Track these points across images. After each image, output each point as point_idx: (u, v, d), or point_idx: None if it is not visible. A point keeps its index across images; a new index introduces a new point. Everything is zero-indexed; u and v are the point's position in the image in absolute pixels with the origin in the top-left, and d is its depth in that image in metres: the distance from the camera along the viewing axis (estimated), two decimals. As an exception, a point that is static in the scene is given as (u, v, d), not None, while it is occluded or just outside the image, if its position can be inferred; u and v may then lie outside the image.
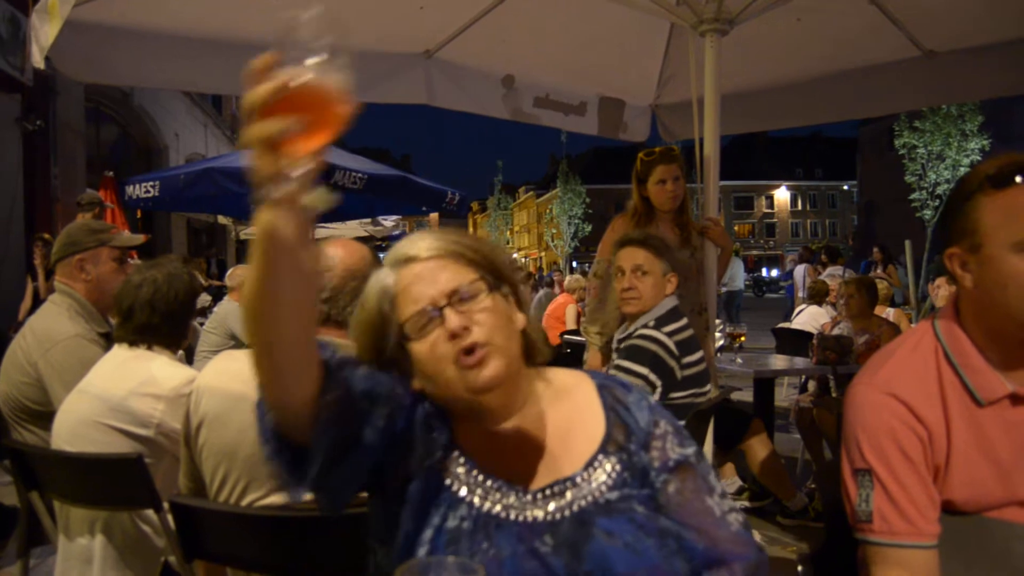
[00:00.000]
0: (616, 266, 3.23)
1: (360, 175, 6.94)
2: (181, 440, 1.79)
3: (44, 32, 3.29)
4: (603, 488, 1.22)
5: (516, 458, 1.24)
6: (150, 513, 2.05)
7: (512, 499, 1.20)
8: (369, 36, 4.15)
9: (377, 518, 1.22)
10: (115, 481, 2.03)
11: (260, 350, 1.00)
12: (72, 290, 2.85)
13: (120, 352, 2.29)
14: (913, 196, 31.79)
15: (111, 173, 9.71)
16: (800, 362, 5.29)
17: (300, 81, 0.83)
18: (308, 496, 1.12)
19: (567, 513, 1.19)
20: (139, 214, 13.29)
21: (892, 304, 7.53)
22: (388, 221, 13.66)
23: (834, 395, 5.21)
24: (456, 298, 1.19)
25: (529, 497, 1.20)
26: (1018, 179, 1.37)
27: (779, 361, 5.63)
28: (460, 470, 1.22)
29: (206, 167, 7.53)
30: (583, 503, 1.20)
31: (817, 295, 7.90)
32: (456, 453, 1.24)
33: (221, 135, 20.01)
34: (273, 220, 0.89)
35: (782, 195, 76.50)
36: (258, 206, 0.90)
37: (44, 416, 2.59)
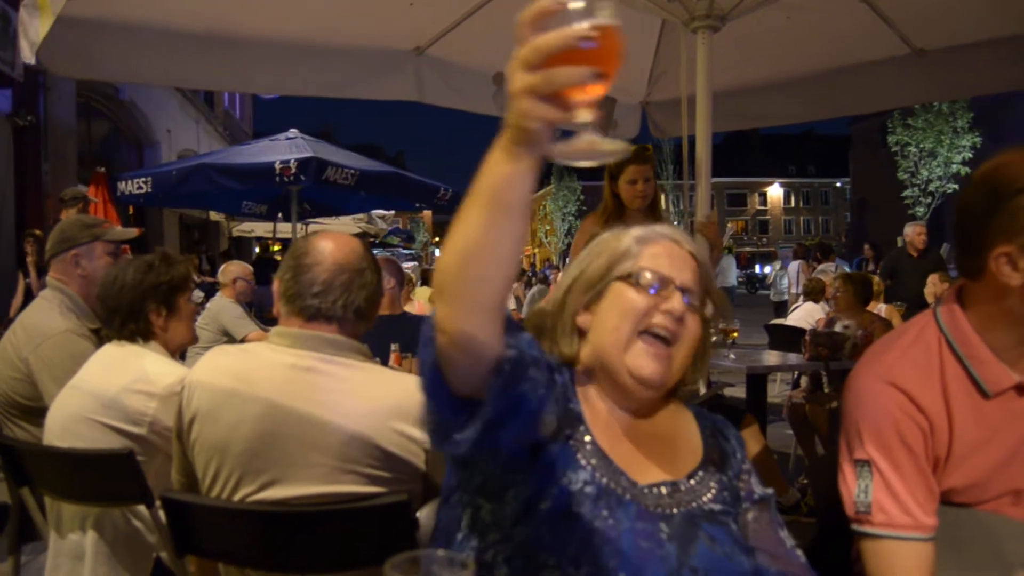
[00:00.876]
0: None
1: (352, 171, 6.92)
2: (173, 435, 1.79)
3: (34, 27, 3.28)
4: (707, 498, 1.30)
5: (630, 449, 1.31)
6: (142, 509, 2.05)
7: (626, 484, 1.25)
8: (359, 33, 4.15)
9: (491, 475, 1.21)
10: (106, 477, 2.02)
11: (469, 302, 0.98)
12: (64, 286, 2.85)
13: (112, 348, 2.28)
14: (905, 193, 31.93)
15: (103, 169, 9.67)
16: (793, 358, 5.30)
17: (608, 22, 0.80)
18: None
19: (676, 511, 1.25)
20: (131, 210, 13.23)
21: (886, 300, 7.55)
22: (382, 218, 13.65)
23: (827, 391, 5.23)
24: (687, 294, 1.32)
25: (640, 488, 1.25)
26: None
27: (772, 357, 5.64)
28: (587, 446, 1.27)
29: (198, 163, 7.50)
30: (692, 506, 1.27)
31: (811, 293, 7.92)
32: (583, 428, 1.29)
33: (213, 131, 19.91)
34: (523, 169, 0.88)
35: (775, 192, 76.55)
36: (494, 159, 0.88)
37: (35, 412, 2.59)
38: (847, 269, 10.54)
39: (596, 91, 0.82)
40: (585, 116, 0.83)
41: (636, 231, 1.38)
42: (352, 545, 1.65)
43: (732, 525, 1.29)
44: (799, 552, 1.36)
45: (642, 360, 1.28)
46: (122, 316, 2.25)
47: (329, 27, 4.04)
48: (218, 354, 1.80)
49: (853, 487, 1.47)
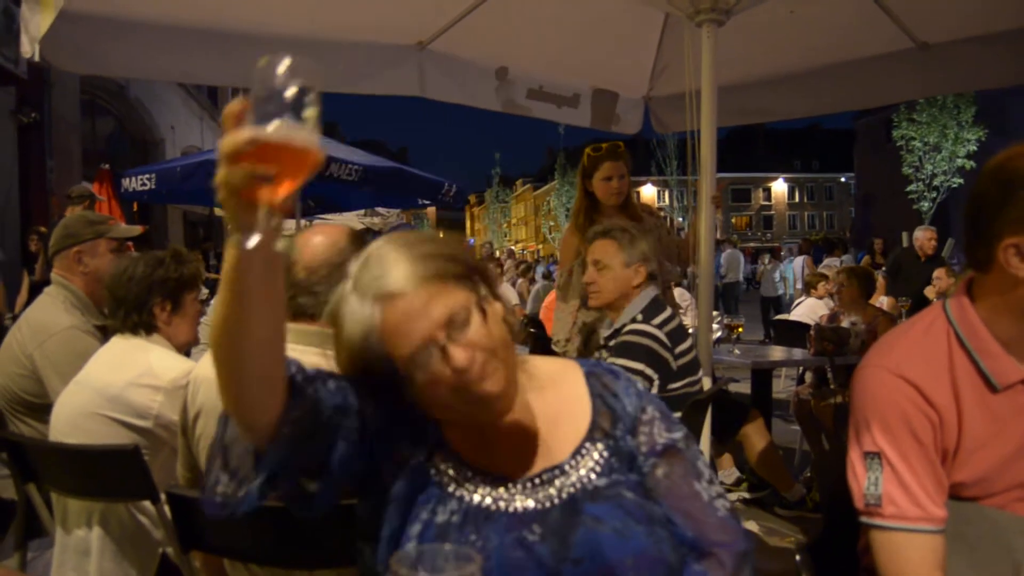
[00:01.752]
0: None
1: (356, 167, 6.92)
2: (178, 431, 1.79)
3: (35, 22, 3.27)
4: (591, 475, 1.23)
5: (504, 449, 1.25)
6: (147, 504, 2.05)
7: (501, 490, 1.20)
8: (362, 27, 4.14)
9: (364, 518, 1.22)
10: (112, 473, 2.03)
11: (225, 376, 1.02)
12: (68, 282, 2.85)
13: (118, 343, 2.29)
14: (910, 188, 31.85)
15: (107, 166, 9.69)
16: (798, 353, 5.30)
17: (269, 136, 0.84)
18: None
19: (556, 501, 1.19)
20: (135, 207, 13.26)
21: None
22: (387, 213, 13.64)
23: (832, 386, 5.22)
24: (452, 328, 1.14)
25: (518, 487, 1.21)
26: None
27: (777, 352, 5.64)
28: (447, 465, 1.22)
29: (203, 159, 7.51)
30: (572, 490, 1.21)
31: (810, 286, 7.94)
32: (443, 447, 1.24)
33: (217, 127, 19.92)
34: (241, 257, 0.92)
35: (779, 187, 76.41)
36: (227, 242, 0.92)
37: (40, 408, 2.60)
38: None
39: (269, 193, 0.87)
40: (260, 216, 0.88)
41: (354, 310, 1.16)
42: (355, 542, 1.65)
43: (626, 494, 1.21)
44: (720, 504, 1.28)
45: (474, 389, 1.14)
46: (127, 308, 2.27)
47: (332, 22, 4.03)
48: (222, 350, 1.80)
49: (863, 480, 1.46)
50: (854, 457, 1.49)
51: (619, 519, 1.17)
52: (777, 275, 15.32)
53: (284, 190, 0.88)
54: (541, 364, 1.36)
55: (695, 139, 3.72)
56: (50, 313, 2.77)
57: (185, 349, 2.43)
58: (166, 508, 1.76)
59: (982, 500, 1.47)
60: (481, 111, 4.93)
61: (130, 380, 2.13)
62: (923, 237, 8.37)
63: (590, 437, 1.27)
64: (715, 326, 4.95)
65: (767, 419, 4.64)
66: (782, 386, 8.07)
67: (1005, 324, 1.44)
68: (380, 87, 4.42)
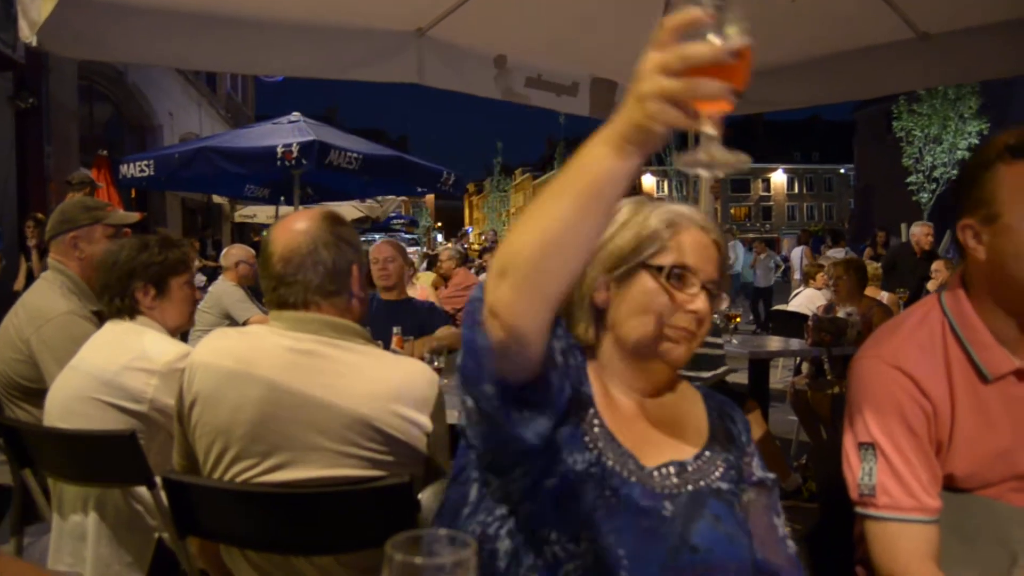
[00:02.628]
0: None
1: (355, 155, 6.89)
2: (174, 418, 1.78)
3: (35, 7, 3.25)
4: (715, 476, 1.30)
5: (638, 432, 1.31)
6: (143, 490, 2.05)
7: (632, 467, 1.24)
8: (361, 14, 4.12)
9: (501, 453, 1.21)
10: (108, 458, 2.03)
11: (541, 292, 0.96)
12: (65, 267, 2.85)
13: (112, 328, 2.28)
14: (910, 179, 31.83)
15: (105, 152, 9.66)
16: (795, 344, 5.30)
17: (734, 48, 0.83)
18: None
19: (683, 490, 1.25)
20: (133, 193, 13.24)
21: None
22: (385, 201, 13.62)
23: (829, 377, 5.23)
24: (712, 287, 1.29)
25: (647, 471, 1.25)
26: None
27: (774, 342, 5.64)
28: (595, 429, 1.27)
29: (201, 146, 7.47)
30: (700, 484, 1.27)
31: (808, 276, 7.95)
32: (593, 411, 1.28)
33: (215, 114, 19.88)
34: (629, 167, 0.88)
35: (779, 178, 76.33)
36: (600, 155, 0.88)
37: (37, 393, 2.59)
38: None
39: (725, 106, 0.85)
40: (710, 128, 0.85)
41: (664, 211, 1.31)
42: (354, 527, 1.65)
43: (737, 506, 1.29)
44: (790, 543, 1.36)
45: (668, 345, 1.27)
46: (111, 292, 2.27)
47: (330, 8, 4.00)
48: (219, 336, 1.79)
49: (857, 470, 1.47)
50: (848, 447, 1.50)
51: (732, 525, 1.25)
52: (772, 264, 15.25)
53: (728, 106, 0.86)
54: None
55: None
56: (47, 298, 2.76)
57: (178, 333, 2.42)
58: (162, 493, 1.76)
59: (978, 491, 1.48)
60: (481, 99, 4.91)
61: (124, 364, 2.13)
62: (920, 233, 8.37)
63: (710, 447, 1.34)
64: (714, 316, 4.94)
65: (764, 409, 4.64)
66: (779, 376, 8.08)
67: (995, 314, 1.44)
68: (379, 74, 4.40)
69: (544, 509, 1.17)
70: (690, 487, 1.25)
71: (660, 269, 1.26)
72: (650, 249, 1.28)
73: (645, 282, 1.27)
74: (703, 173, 0.88)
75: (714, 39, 0.82)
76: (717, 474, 1.30)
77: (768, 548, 1.33)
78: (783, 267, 17.71)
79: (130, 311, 2.28)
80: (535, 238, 0.92)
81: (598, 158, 0.87)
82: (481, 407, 1.09)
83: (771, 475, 1.40)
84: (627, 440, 1.27)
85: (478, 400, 1.08)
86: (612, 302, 1.31)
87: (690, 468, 1.29)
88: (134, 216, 3.10)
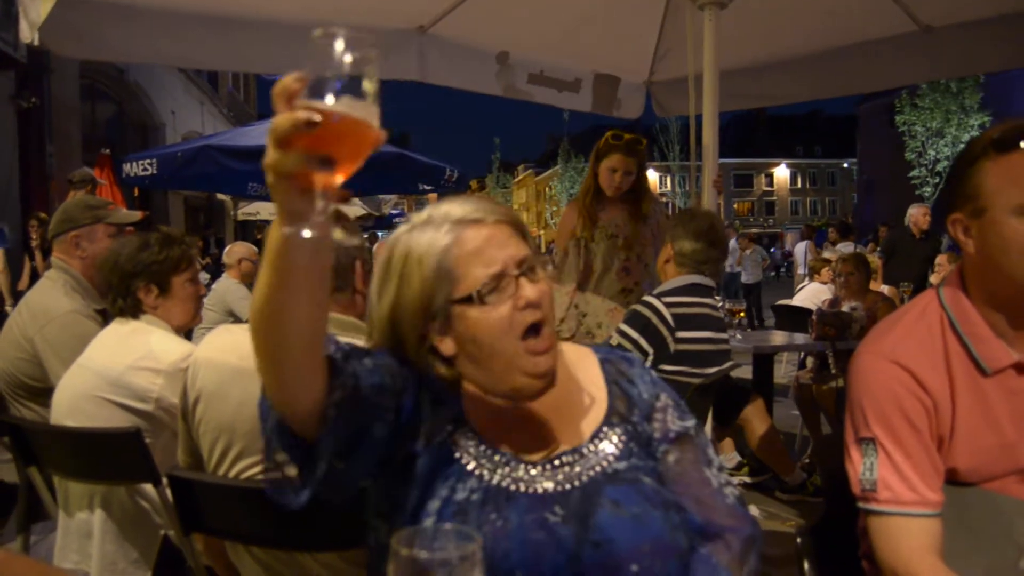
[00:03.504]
0: None
1: (357, 152, 6.89)
2: (179, 415, 1.79)
3: (35, 7, 3.26)
4: (610, 458, 1.24)
5: (524, 431, 1.25)
6: (149, 487, 2.06)
7: (520, 472, 1.20)
8: (362, 11, 4.12)
9: (380, 495, 1.21)
10: (114, 455, 2.03)
11: (267, 361, 0.99)
12: (68, 266, 2.85)
13: (118, 326, 2.28)
14: (913, 173, 31.74)
15: (107, 151, 9.66)
16: (799, 338, 5.29)
17: (331, 114, 0.78)
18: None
19: (576, 483, 1.19)
20: (136, 192, 13.25)
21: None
22: (387, 199, 13.63)
23: (833, 371, 5.22)
24: (526, 267, 1.19)
25: (537, 469, 1.20)
26: (1022, 144, 1.36)
27: (778, 337, 5.63)
28: (469, 444, 1.22)
29: (203, 144, 7.48)
30: (592, 473, 1.21)
31: (812, 272, 7.96)
32: (465, 427, 1.23)
33: (218, 113, 19.89)
34: (288, 242, 0.87)
35: (782, 173, 76.21)
36: (272, 227, 0.89)
37: (41, 392, 2.60)
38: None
39: (324, 178, 0.81)
40: (319, 200, 0.82)
41: (435, 236, 1.19)
42: (358, 523, 1.65)
43: (644, 479, 1.22)
44: (729, 491, 1.30)
45: (531, 362, 1.18)
46: (114, 292, 2.27)
47: (332, 6, 4.00)
48: (223, 332, 1.80)
49: (858, 465, 1.47)
50: (850, 443, 1.50)
51: (637, 504, 1.18)
52: (759, 258, 15.09)
53: (342, 174, 0.82)
54: (563, 349, 1.35)
55: (697, 124, 3.71)
56: (51, 297, 2.77)
57: (184, 331, 2.42)
58: (167, 491, 1.76)
59: (982, 485, 1.48)
60: (482, 96, 4.91)
61: (130, 363, 2.13)
62: (917, 213, 8.31)
63: (608, 421, 1.28)
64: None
65: (768, 404, 4.64)
66: (783, 371, 8.07)
67: (990, 307, 1.45)
68: (381, 72, 4.38)
69: None
70: (584, 477, 1.20)
71: (470, 299, 1.16)
72: (446, 288, 1.17)
73: (468, 317, 1.17)
74: (307, 234, 0.85)
75: (331, 102, 0.78)
76: (613, 453, 1.24)
77: (706, 506, 1.26)
78: (768, 261, 17.50)
79: (133, 311, 2.28)
80: (253, 313, 0.96)
81: (272, 230, 0.89)
82: (278, 463, 1.10)
83: (690, 423, 1.33)
84: (510, 444, 1.23)
85: (275, 454, 1.09)
86: (457, 348, 1.21)
87: (586, 452, 1.24)
88: (136, 215, 3.11)
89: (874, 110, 41.26)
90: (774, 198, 76.66)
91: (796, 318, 6.23)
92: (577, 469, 1.21)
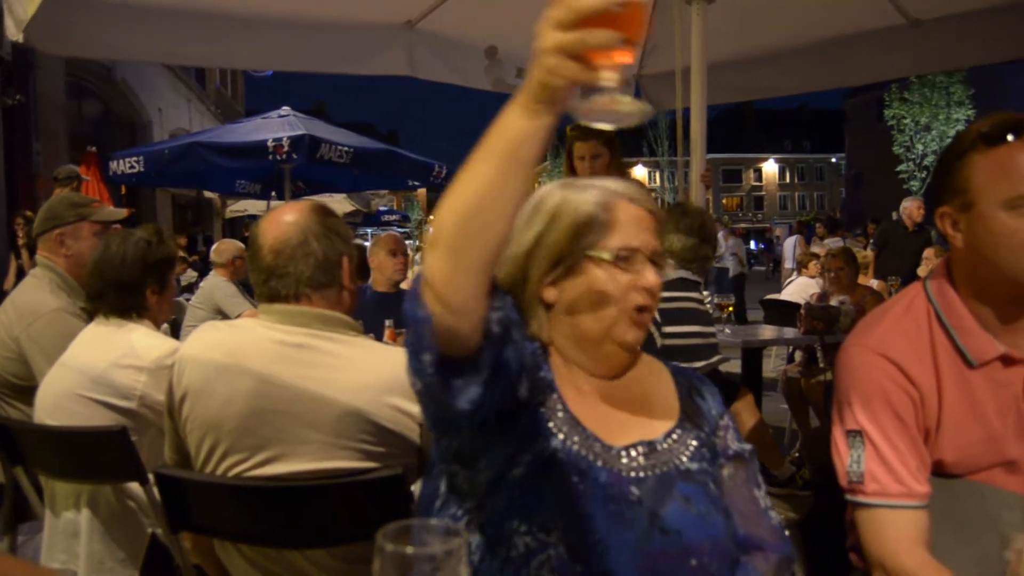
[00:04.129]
0: None
1: (346, 148, 6.87)
2: (165, 412, 1.78)
3: (22, 5, 3.23)
4: (684, 457, 1.29)
5: (605, 414, 1.30)
6: (136, 486, 2.05)
7: (599, 449, 1.24)
8: (350, 7, 4.10)
9: (465, 442, 1.21)
10: (99, 454, 2.02)
11: (471, 258, 0.96)
12: (54, 264, 2.83)
13: (100, 324, 2.26)
14: (901, 167, 31.91)
15: (94, 148, 9.59)
16: (788, 332, 5.31)
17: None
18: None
19: (651, 473, 1.24)
20: (123, 190, 13.17)
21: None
22: (376, 195, 13.60)
23: (821, 365, 5.24)
24: (656, 257, 1.29)
25: (613, 453, 1.24)
26: (1010, 137, 1.36)
27: (767, 331, 5.65)
28: (558, 411, 1.26)
29: (191, 142, 7.43)
30: (666, 467, 1.26)
31: (800, 266, 7.98)
32: (555, 396, 1.28)
33: (205, 110, 19.78)
34: (541, 125, 0.89)
35: (770, 168, 76.40)
36: (512, 116, 0.90)
37: (28, 391, 2.58)
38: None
39: (623, 56, 0.84)
40: (610, 79, 0.85)
41: (593, 194, 1.29)
42: (347, 520, 1.65)
43: (710, 485, 1.29)
44: (773, 515, 1.36)
45: (624, 329, 1.27)
46: (119, 290, 2.23)
47: (319, 1, 3.99)
48: (208, 329, 1.78)
49: (846, 458, 1.48)
50: (837, 435, 1.51)
51: (704, 504, 1.24)
52: (742, 251, 15.03)
53: (628, 57, 0.85)
54: (642, 355, 1.43)
55: (685, 118, 3.71)
56: (36, 295, 2.74)
57: (161, 327, 2.42)
58: (155, 489, 1.75)
59: (968, 476, 1.49)
60: (472, 90, 4.90)
61: (113, 361, 2.12)
62: (911, 206, 8.36)
63: (681, 425, 1.34)
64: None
65: (757, 398, 4.65)
66: (772, 365, 8.10)
67: (978, 300, 1.46)
68: (369, 67, 4.39)
69: (512, 499, 1.17)
70: (657, 470, 1.24)
71: (605, 258, 1.25)
72: (589, 238, 1.26)
73: (592, 273, 1.26)
74: (603, 125, 0.88)
75: None
76: (687, 455, 1.29)
77: (750, 522, 1.32)
78: (742, 257, 17.32)
79: (138, 309, 2.26)
80: (459, 205, 0.95)
81: (510, 120, 0.90)
82: (423, 381, 1.06)
83: (747, 447, 1.40)
84: (592, 423, 1.27)
85: (418, 373, 1.05)
86: (562, 298, 1.29)
87: (659, 448, 1.28)
88: (121, 213, 3.08)
89: (862, 104, 41.45)
90: (763, 193, 76.86)
91: (785, 312, 6.25)
92: (651, 461, 1.26)
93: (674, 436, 1.31)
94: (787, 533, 1.37)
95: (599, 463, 1.22)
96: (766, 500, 1.37)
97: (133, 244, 2.27)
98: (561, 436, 1.23)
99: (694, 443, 1.31)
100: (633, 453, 1.25)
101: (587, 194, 1.29)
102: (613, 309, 1.26)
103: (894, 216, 8.71)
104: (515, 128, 0.90)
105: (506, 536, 1.16)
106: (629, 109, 0.86)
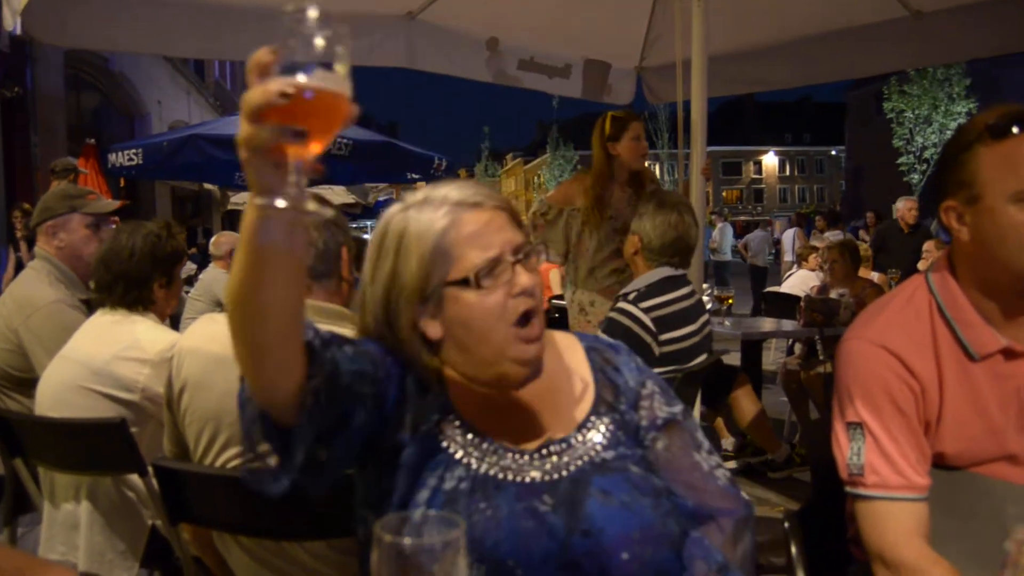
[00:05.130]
0: None
1: (346, 141, 6.86)
2: (164, 404, 1.78)
3: (16, -6, 3.22)
4: (598, 448, 1.24)
5: (511, 420, 1.25)
6: (135, 478, 2.05)
7: (508, 461, 1.20)
8: (351, -3, 4.08)
9: (368, 485, 1.21)
10: (99, 446, 2.02)
11: (244, 345, 0.98)
12: (51, 256, 2.83)
13: (103, 316, 2.26)
14: (901, 160, 31.92)
15: (93, 141, 9.57)
16: (788, 325, 5.31)
17: (303, 88, 0.79)
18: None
19: (564, 473, 1.20)
20: (122, 183, 13.15)
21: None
22: (375, 188, 13.57)
23: (821, 357, 5.25)
24: (521, 254, 1.19)
25: (525, 458, 1.20)
26: (1015, 129, 1.34)
27: (767, 324, 5.65)
28: (456, 433, 1.21)
29: (190, 134, 7.44)
30: (579, 463, 1.21)
31: (800, 259, 7.98)
32: (452, 416, 1.23)
33: (204, 102, 19.74)
34: (262, 219, 0.87)
35: (770, 160, 76.41)
36: (247, 206, 0.89)
37: (27, 383, 2.58)
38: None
39: (307, 151, 0.83)
40: (291, 174, 0.84)
41: (436, 215, 1.18)
42: (346, 511, 1.65)
43: (632, 468, 1.23)
44: (720, 473, 1.30)
45: (520, 349, 1.18)
46: (127, 283, 2.24)
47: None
48: (208, 321, 1.78)
49: (846, 450, 1.47)
50: (837, 427, 1.51)
51: (626, 492, 1.18)
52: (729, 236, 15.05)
53: (315, 148, 0.83)
54: (549, 337, 1.33)
55: (686, 110, 3.70)
56: (35, 287, 2.74)
57: (165, 320, 2.42)
58: (154, 481, 1.75)
59: (970, 468, 1.48)
60: (471, 83, 4.88)
61: (116, 353, 2.12)
62: (904, 208, 8.41)
63: (595, 411, 1.28)
64: (705, 298, 4.95)
65: (757, 390, 4.67)
66: (772, 358, 8.10)
67: (980, 293, 1.45)
68: (369, 59, 4.36)
69: None
70: (572, 467, 1.20)
71: (466, 282, 1.15)
72: (442, 268, 1.17)
73: (461, 300, 1.17)
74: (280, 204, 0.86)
75: (275, 84, 0.79)
76: (601, 443, 1.24)
77: (697, 490, 1.27)
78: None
79: (146, 302, 2.27)
80: (229, 295, 0.95)
81: (248, 210, 0.89)
82: (255, 452, 1.09)
83: (677, 408, 1.33)
84: (499, 433, 1.22)
85: (253, 442, 1.09)
86: (447, 333, 1.20)
87: (575, 442, 1.24)
88: (113, 204, 3.05)
89: (863, 97, 41.40)
90: (763, 186, 76.88)
91: (784, 305, 6.25)
92: (565, 459, 1.21)
93: (589, 424, 1.26)
94: (739, 490, 1.32)
95: (508, 477, 1.18)
96: (710, 460, 1.30)
97: (143, 238, 2.27)
98: (465, 460, 1.19)
99: (609, 427, 1.26)
100: (545, 453, 1.21)
101: (427, 215, 1.19)
102: (499, 329, 1.16)
103: (893, 212, 8.71)
104: (248, 218, 0.89)
105: None
106: (310, 208, 0.87)
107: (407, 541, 0.68)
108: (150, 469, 1.87)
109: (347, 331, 1.71)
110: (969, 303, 1.46)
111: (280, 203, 0.83)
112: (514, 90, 4.97)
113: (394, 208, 1.25)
